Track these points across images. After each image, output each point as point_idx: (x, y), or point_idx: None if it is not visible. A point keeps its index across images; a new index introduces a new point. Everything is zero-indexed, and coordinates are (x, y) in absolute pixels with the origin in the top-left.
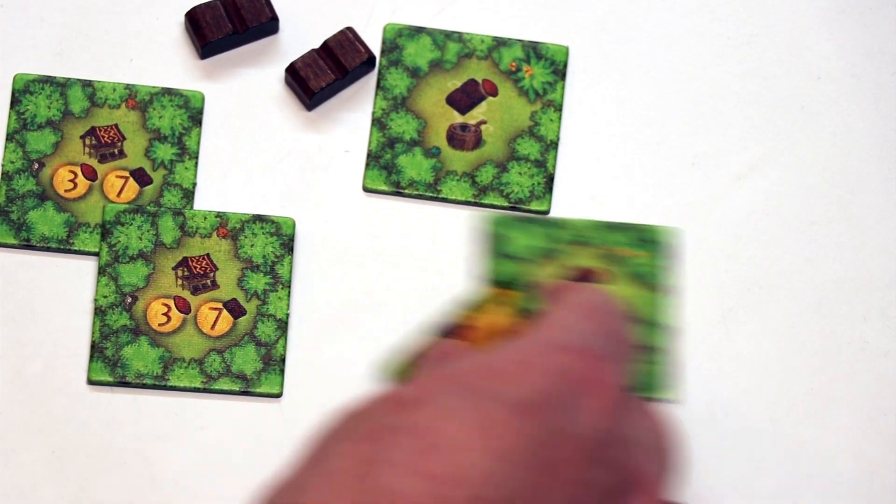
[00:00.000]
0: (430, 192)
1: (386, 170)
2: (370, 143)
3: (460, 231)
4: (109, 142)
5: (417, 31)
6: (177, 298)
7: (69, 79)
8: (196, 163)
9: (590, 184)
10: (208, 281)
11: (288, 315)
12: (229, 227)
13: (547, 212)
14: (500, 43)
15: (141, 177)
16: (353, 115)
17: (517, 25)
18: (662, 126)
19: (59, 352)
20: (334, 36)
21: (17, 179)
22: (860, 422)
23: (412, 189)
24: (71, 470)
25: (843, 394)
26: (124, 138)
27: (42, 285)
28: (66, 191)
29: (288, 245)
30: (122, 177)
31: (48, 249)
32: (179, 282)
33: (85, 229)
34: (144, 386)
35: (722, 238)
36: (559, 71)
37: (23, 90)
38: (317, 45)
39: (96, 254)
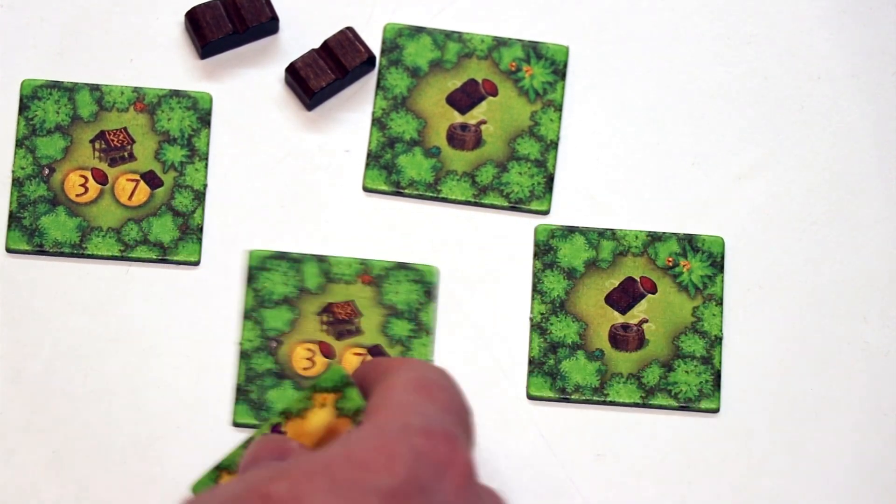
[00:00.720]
0: (431, 191)
1: (386, 170)
2: (370, 142)
3: (461, 231)
4: (119, 145)
5: (417, 31)
6: (321, 344)
7: (77, 83)
8: (206, 164)
9: (590, 183)
10: (353, 327)
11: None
12: (374, 275)
13: (547, 212)
14: (501, 43)
15: (151, 179)
16: (353, 115)
17: (517, 25)
18: (662, 126)
19: (62, 353)
20: (334, 36)
21: (29, 185)
22: (860, 422)
23: (412, 189)
24: (71, 470)
25: (843, 394)
26: (134, 141)
27: (54, 290)
28: (77, 195)
29: (431, 293)
30: (132, 180)
31: (61, 254)
32: (323, 327)
33: (97, 233)
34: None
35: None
36: (559, 71)
37: (31, 96)
38: (317, 44)
39: (109, 257)
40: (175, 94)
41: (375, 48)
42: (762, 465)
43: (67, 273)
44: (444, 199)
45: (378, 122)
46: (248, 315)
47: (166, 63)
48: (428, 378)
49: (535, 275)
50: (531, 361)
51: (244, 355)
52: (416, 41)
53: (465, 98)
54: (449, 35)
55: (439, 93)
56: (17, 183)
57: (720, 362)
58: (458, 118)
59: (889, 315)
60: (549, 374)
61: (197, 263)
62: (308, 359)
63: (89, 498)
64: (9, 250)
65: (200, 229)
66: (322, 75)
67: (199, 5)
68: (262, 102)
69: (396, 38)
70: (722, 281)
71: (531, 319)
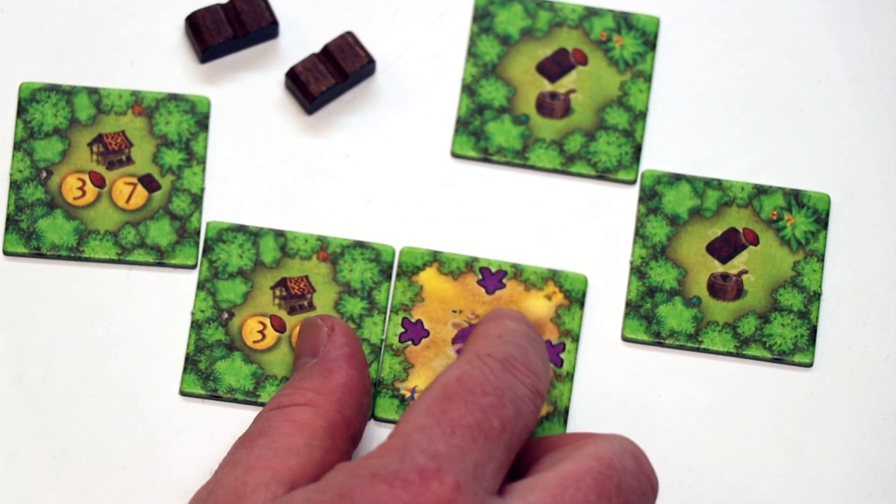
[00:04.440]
0: (518, 159)
1: (474, 136)
2: (459, 109)
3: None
4: (117, 148)
5: (509, 0)
6: (273, 317)
7: (75, 86)
8: (203, 168)
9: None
10: (305, 302)
11: (382, 340)
12: (330, 251)
13: (633, 181)
14: (592, 12)
15: (149, 183)
16: (353, 119)
17: None
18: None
19: (61, 356)
20: (334, 40)
21: (26, 188)
22: (860, 426)
23: (500, 156)
24: (72, 474)
25: (843, 398)
26: (131, 145)
27: (51, 293)
28: (74, 198)
29: (387, 272)
30: (130, 183)
31: (58, 258)
32: (277, 301)
33: (95, 236)
34: (235, 400)
35: None
36: (650, 42)
37: (29, 98)
38: (317, 49)
39: (106, 261)
40: (173, 97)
41: (375, 51)
42: (761, 469)
43: (65, 276)
44: (532, 167)
45: (468, 89)
46: (202, 286)
47: (165, 67)
48: (462, 383)
49: (638, 219)
50: (628, 304)
51: (195, 325)
52: (508, 9)
53: (554, 67)
54: (540, 3)
55: (529, 61)
56: (14, 186)
57: (817, 318)
58: (548, 86)
59: (889, 319)
60: (644, 318)
61: (194, 267)
62: (259, 332)
63: (90, 502)
64: (6, 253)
65: (197, 233)
66: (322, 80)
67: (200, 10)
68: (262, 107)
69: (488, 6)
70: (825, 237)
71: (631, 263)
